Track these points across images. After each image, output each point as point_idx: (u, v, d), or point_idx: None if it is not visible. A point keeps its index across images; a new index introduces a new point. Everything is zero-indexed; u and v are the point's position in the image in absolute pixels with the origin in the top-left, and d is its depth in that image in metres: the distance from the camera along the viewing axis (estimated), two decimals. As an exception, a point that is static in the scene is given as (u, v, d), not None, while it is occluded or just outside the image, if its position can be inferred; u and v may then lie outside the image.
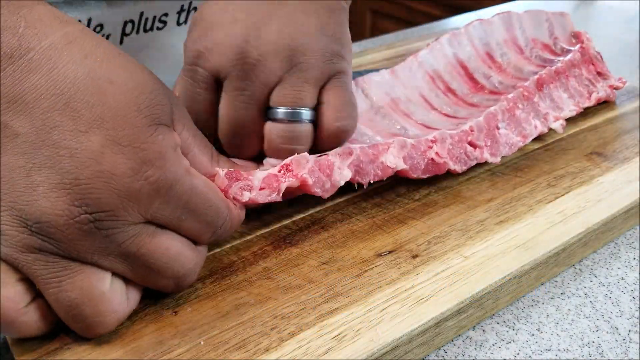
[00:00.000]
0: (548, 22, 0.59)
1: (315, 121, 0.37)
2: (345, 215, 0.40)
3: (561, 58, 0.55)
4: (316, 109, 0.37)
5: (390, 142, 0.40)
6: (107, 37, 0.54)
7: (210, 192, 0.31)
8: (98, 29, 0.53)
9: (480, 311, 0.35)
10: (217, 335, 0.30)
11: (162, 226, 0.29)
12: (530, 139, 0.47)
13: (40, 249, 0.26)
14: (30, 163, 0.26)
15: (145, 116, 0.28)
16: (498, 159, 0.45)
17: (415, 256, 0.36)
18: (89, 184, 0.26)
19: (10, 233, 0.26)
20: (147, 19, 0.55)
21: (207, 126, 0.36)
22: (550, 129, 0.49)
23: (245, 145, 0.37)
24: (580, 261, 0.41)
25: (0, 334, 0.30)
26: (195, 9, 0.59)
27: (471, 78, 0.53)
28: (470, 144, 0.44)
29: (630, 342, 0.34)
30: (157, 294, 0.32)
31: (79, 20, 0.52)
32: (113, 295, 0.28)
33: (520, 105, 0.48)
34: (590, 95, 0.54)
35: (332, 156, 0.37)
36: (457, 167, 0.42)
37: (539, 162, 0.47)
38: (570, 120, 0.52)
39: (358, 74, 0.49)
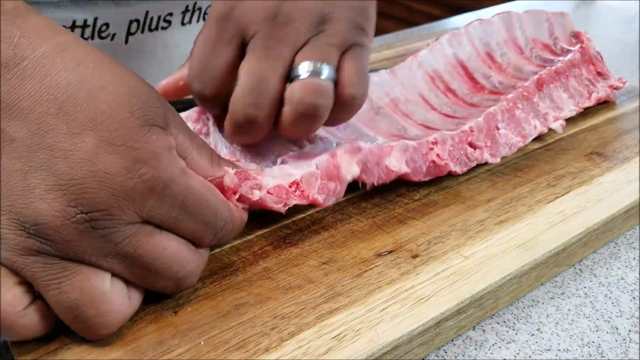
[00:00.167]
0: (548, 22, 0.59)
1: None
2: (345, 215, 0.40)
3: (561, 58, 0.55)
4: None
5: (393, 145, 0.40)
6: (113, 36, 0.54)
7: (209, 193, 0.31)
8: (104, 27, 0.53)
9: (480, 311, 0.35)
10: (217, 335, 0.30)
11: (160, 227, 0.29)
12: (530, 139, 0.48)
13: (38, 251, 0.26)
14: (26, 166, 0.26)
15: (138, 117, 0.28)
16: (498, 159, 0.45)
17: (415, 256, 0.36)
18: (83, 184, 0.26)
19: (8, 236, 0.26)
20: (152, 18, 0.56)
21: (222, 88, 0.36)
22: (550, 129, 0.49)
23: (261, 113, 0.35)
24: (580, 261, 0.41)
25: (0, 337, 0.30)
26: (199, 9, 0.59)
27: (471, 78, 0.53)
28: (470, 144, 0.44)
29: (630, 342, 0.34)
30: (157, 294, 0.32)
31: (86, 20, 0.52)
32: (114, 296, 0.28)
33: (520, 106, 0.48)
34: (590, 95, 0.54)
35: (340, 153, 0.37)
36: (458, 169, 0.43)
37: (539, 162, 0.47)
38: (570, 120, 0.52)
39: None
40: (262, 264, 0.35)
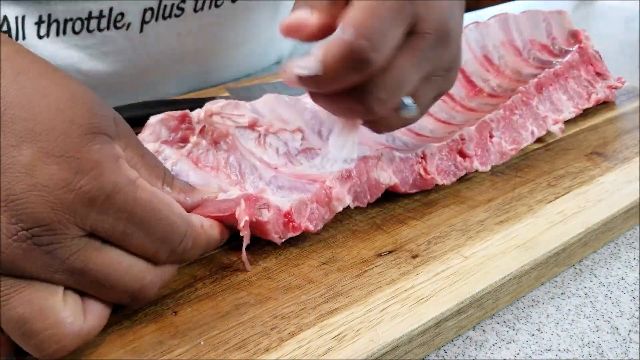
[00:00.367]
0: (545, 22, 0.59)
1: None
2: (345, 215, 0.40)
3: (560, 59, 0.55)
4: None
5: (379, 155, 0.39)
6: (128, 26, 0.55)
7: (162, 205, 0.28)
8: (119, 17, 0.54)
9: (480, 311, 0.35)
10: (217, 335, 0.30)
11: (110, 242, 0.28)
12: (524, 145, 0.47)
13: None
14: None
15: (80, 125, 0.27)
16: (488, 168, 0.44)
17: (415, 256, 0.36)
18: (22, 199, 0.25)
19: None
20: (165, 6, 0.56)
21: (385, 53, 0.31)
22: (549, 132, 0.49)
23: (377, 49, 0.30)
24: (580, 261, 0.41)
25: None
26: None
27: (469, 81, 0.53)
28: (460, 153, 0.43)
29: (630, 342, 0.34)
30: (158, 291, 0.32)
31: (101, 10, 0.53)
32: (65, 308, 0.27)
33: (517, 112, 0.47)
34: (589, 97, 0.54)
35: (330, 182, 0.37)
36: (446, 181, 0.42)
37: (539, 162, 0.47)
38: (570, 120, 0.52)
39: None
40: (262, 264, 0.35)
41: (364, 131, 0.44)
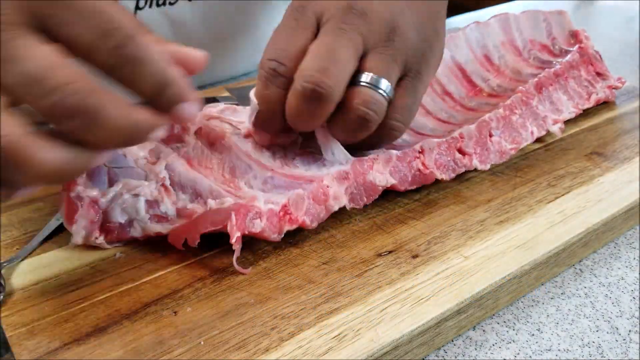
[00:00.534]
0: (546, 22, 0.59)
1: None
2: (345, 215, 0.40)
3: (560, 59, 0.55)
4: None
5: (376, 157, 0.40)
6: None
7: (109, 6, 0.27)
8: None
9: (480, 311, 0.35)
10: (217, 335, 0.30)
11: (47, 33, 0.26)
12: (524, 145, 0.47)
13: None
14: None
15: None
16: (487, 166, 0.44)
17: (415, 256, 0.36)
18: None
19: None
20: None
21: (296, 67, 0.35)
22: (549, 132, 0.49)
23: (328, 80, 0.34)
24: (581, 261, 0.41)
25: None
26: None
27: (469, 81, 0.53)
28: (460, 151, 0.43)
29: (630, 342, 0.34)
30: (158, 291, 0.32)
31: None
32: None
33: (517, 111, 0.47)
34: (589, 97, 0.54)
35: (328, 181, 0.37)
36: (445, 176, 0.42)
37: (539, 162, 0.47)
38: (570, 120, 0.52)
39: None
40: (262, 264, 0.35)
41: None
